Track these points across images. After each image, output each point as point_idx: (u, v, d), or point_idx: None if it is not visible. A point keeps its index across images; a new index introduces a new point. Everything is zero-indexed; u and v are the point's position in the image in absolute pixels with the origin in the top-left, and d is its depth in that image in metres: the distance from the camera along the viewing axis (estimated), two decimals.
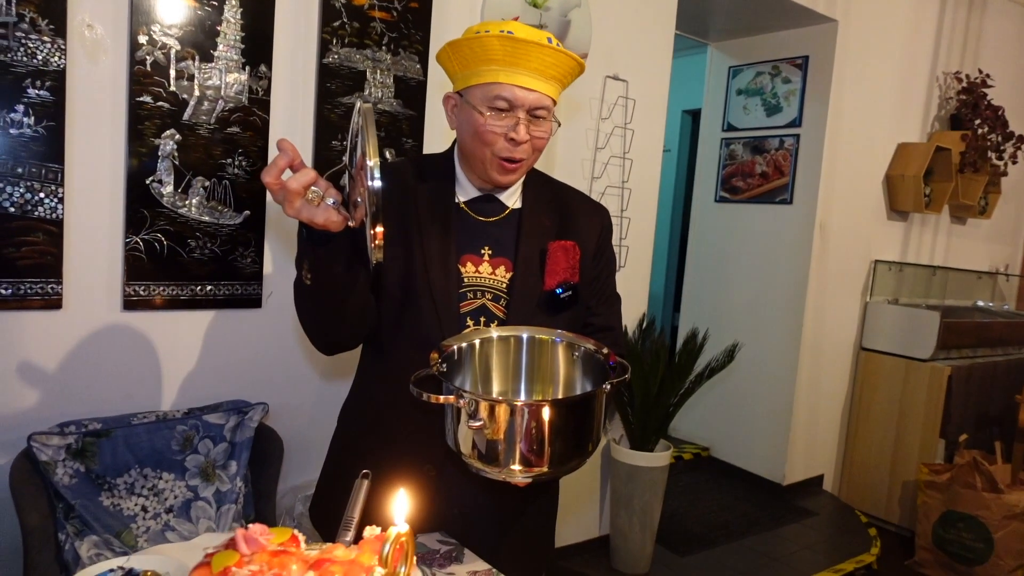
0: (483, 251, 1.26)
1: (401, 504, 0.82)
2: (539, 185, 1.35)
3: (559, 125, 1.25)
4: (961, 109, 4.07)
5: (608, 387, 1.03)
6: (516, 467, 1.00)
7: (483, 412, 0.98)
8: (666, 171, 5.18)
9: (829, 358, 3.82)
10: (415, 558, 0.84)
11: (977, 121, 4.01)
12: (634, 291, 2.91)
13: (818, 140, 3.56)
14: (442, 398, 0.99)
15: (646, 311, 2.97)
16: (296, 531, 0.89)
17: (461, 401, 0.98)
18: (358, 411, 1.39)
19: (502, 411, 0.98)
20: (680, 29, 3.66)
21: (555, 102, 1.22)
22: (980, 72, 4.09)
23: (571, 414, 1.00)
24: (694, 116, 4.85)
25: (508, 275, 1.26)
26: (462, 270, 1.25)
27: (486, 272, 1.26)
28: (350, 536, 0.96)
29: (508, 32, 1.14)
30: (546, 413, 0.98)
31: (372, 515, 1.00)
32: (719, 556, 3.07)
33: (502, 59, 1.15)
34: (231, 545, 0.84)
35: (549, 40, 1.16)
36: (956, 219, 4.46)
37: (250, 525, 0.85)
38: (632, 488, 2.81)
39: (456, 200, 1.28)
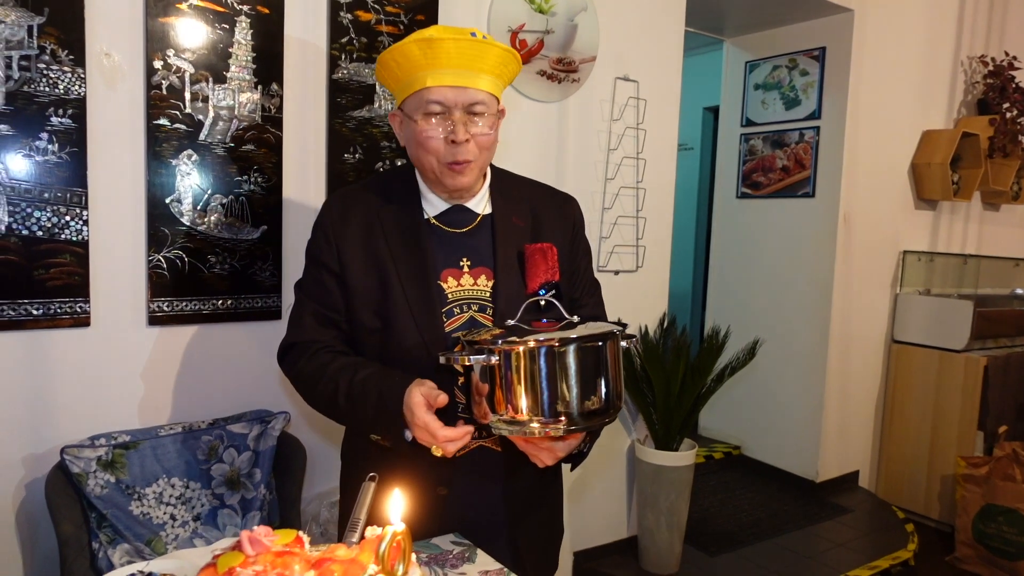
0: (462, 263, 1.26)
1: (397, 503, 0.85)
2: (506, 187, 1.33)
3: (503, 115, 1.23)
4: (988, 93, 3.98)
5: (623, 337, 1.09)
6: (538, 421, 1.06)
7: (520, 358, 1.04)
8: (689, 169, 5.15)
9: (860, 352, 3.75)
10: (413, 556, 0.86)
11: (1005, 105, 3.91)
12: (653, 291, 2.90)
13: (839, 132, 3.51)
14: (472, 359, 1.05)
15: (667, 310, 2.96)
16: (302, 533, 0.92)
17: (494, 359, 1.04)
18: (356, 441, 1.41)
19: (544, 353, 1.04)
20: (694, 26, 3.65)
21: (496, 97, 1.20)
22: (1007, 55, 3.99)
23: (599, 354, 1.07)
24: (716, 113, 4.82)
25: (490, 283, 1.26)
26: (444, 286, 1.24)
27: (468, 284, 1.25)
28: (356, 537, 0.99)
29: (428, 37, 1.13)
30: (577, 351, 1.05)
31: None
32: (750, 555, 3.03)
33: (424, 63, 1.14)
34: (237, 547, 0.87)
35: (473, 34, 1.14)
36: (988, 206, 4.35)
37: (255, 527, 0.89)
38: (658, 488, 2.80)
39: (425, 216, 1.27)
